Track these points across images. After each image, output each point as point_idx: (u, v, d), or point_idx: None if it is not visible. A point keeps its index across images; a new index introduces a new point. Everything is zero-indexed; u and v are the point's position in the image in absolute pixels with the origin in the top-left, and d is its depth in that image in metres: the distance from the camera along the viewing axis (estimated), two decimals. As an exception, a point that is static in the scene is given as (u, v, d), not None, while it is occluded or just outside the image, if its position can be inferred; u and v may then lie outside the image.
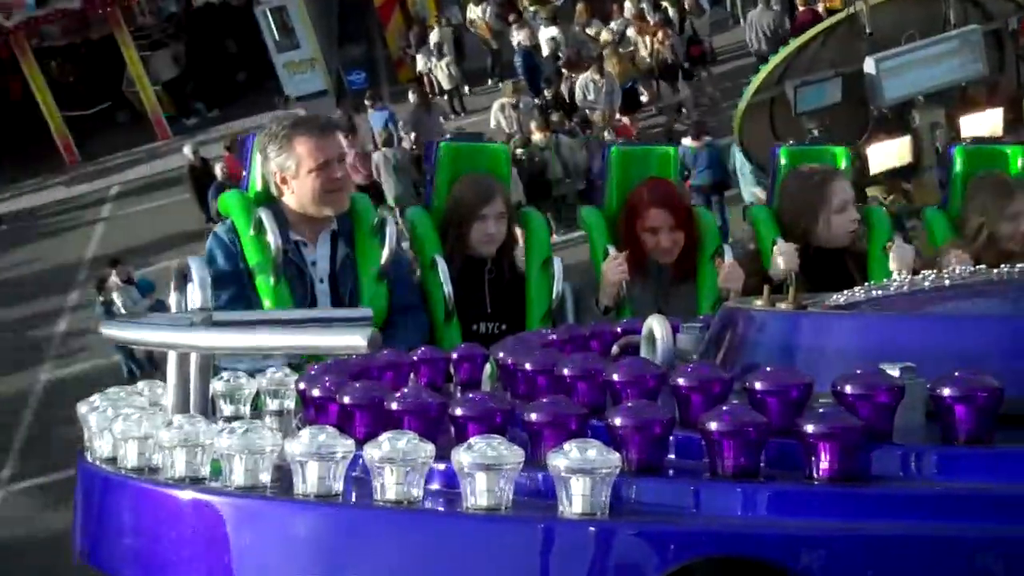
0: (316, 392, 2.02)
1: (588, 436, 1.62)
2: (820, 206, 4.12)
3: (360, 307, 3.57)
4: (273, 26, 21.17)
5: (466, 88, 19.93)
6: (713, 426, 1.62)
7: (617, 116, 16.15)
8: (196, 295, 2.34)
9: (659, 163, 4.31)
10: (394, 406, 1.83)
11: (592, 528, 1.53)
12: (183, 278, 2.38)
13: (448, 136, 4.24)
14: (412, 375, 2.27)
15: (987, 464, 1.63)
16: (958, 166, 4.41)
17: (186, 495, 1.79)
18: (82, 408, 2.16)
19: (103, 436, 2.01)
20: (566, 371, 1.92)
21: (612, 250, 4.04)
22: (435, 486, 1.66)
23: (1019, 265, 2.41)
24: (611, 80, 16.14)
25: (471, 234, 3.91)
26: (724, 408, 1.65)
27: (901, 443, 1.67)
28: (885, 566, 1.49)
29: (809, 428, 1.60)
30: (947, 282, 2.23)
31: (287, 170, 3.66)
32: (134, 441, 1.89)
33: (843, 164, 4.39)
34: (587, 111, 15.97)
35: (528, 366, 2.03)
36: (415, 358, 2.29)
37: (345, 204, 3.73)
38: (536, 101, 16.55)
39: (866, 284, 2.41)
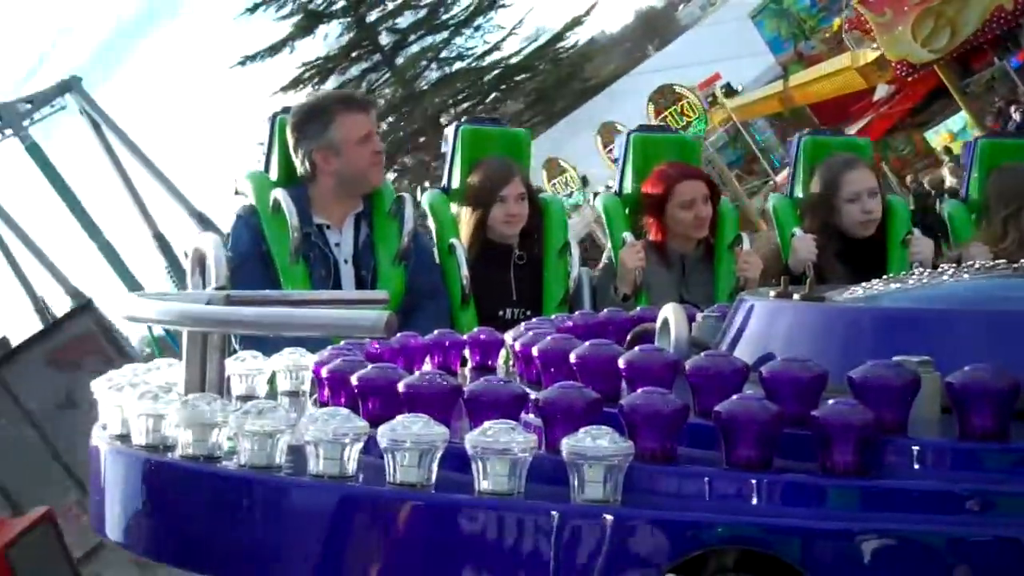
0: (330, 374, 2.02)
1: (601, 423, 1.62)
2: (834, 195, 4.12)
3: (378, 289, 3.58)
4: None
5: None
6: (727, 415, 1.62)
7: None
8: (212, 274, 2.34)
9: (681, 150, 4.30)
10: (408, 389, 1.83)
11: (604, 515, 1.53)
12: (201, 258, 2.39)
13: (465, 119, 4.24)
14: (427, 359, 2.28)
15: (1003, 460, 1.62)
16: (979, 158, 4.38)
17: (196, 472, 1.79)
18: (97, 384, 2.16)
19: (116, 413, 2.02)
20: (580, 358, 1.92)
21: (629, 237, 4.04)
22: (448, 470, 1.66)
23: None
24: None
25: (492, 216, 3.92)
26: (738, 398, 1.65)
27: (916, 437, 1.67)
28: (897, 560, 1.48)
29: (823, 420, 1.60)
30: (966, 275, 2.21)
31: (331, 146, 3.68)
32: (146, 418, 1.90)
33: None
34: None
35: (542, 352, 2.03)
36: (430, 342, 2.29)
37: (383, 175, 3.80)
38: None
39: (884, 276, 2.40)
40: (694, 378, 1.79)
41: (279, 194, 3.67)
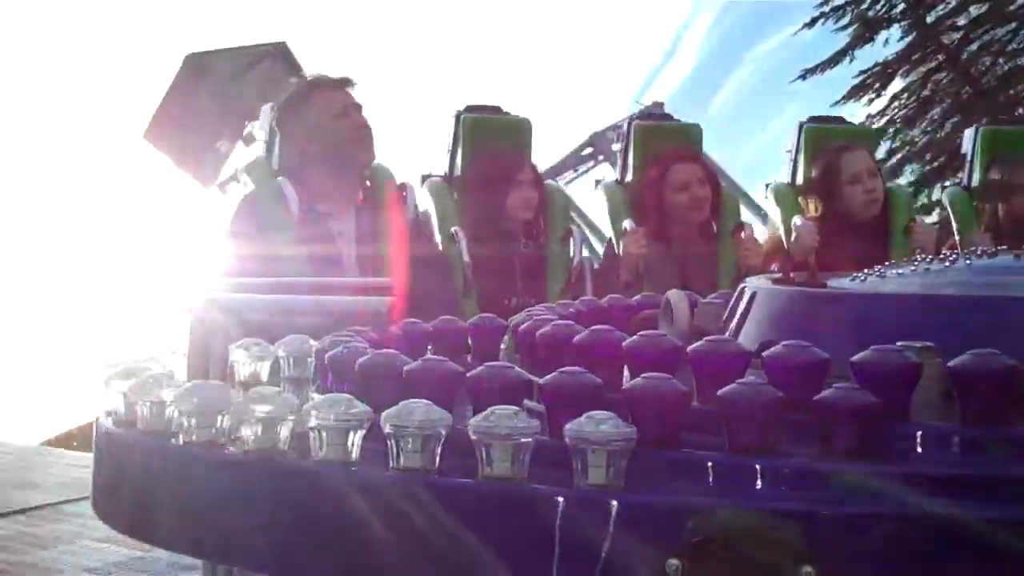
0: (333, 360, 2.02)
1: (604, 409, 1.62)
2: (834, 179, 4.14)
3: (380, 277, 3.59)
4: None
5: None
6: (730, 401, 1.62)
7: None
8: (216, 262, 2.34)
9: (682, 138, 4.31)
10: (411, 375, 1.83)
11: (607, 500, 1.53)
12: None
13: (467, 107, 4.24)
14: (430, 345, 2.28)
15: (1005, 445, 1.62)
16: (980, 146, 4.39)
17: (198, 457, 1.79)
18: (103, 369, 2.17)
19: (120, 399, 2.02)
20: (582, 343, 1.92)
21: (630, 224, 4.04)
22: (451, 456, 1.67)
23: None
24: None
25: (508, 202, 3.93)
26: (741, 383, 1.65)
27: (918, 422, 1.67)
28: (899, 544, 1.49)
29: (826, 405, 1.60)
30: (968, 262, 2.22)
31: (310, 128, 3.70)
32: (150, 404, 1.90)
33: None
34: None
35: (544, 338, 2.03)
36: (433, 328, 2.30)
37: (373, 151, 3.80)
38: None
39: (887, 263, 2.40)
40: (697, 364, 1.80)
41: (282, 182, 3.68)
